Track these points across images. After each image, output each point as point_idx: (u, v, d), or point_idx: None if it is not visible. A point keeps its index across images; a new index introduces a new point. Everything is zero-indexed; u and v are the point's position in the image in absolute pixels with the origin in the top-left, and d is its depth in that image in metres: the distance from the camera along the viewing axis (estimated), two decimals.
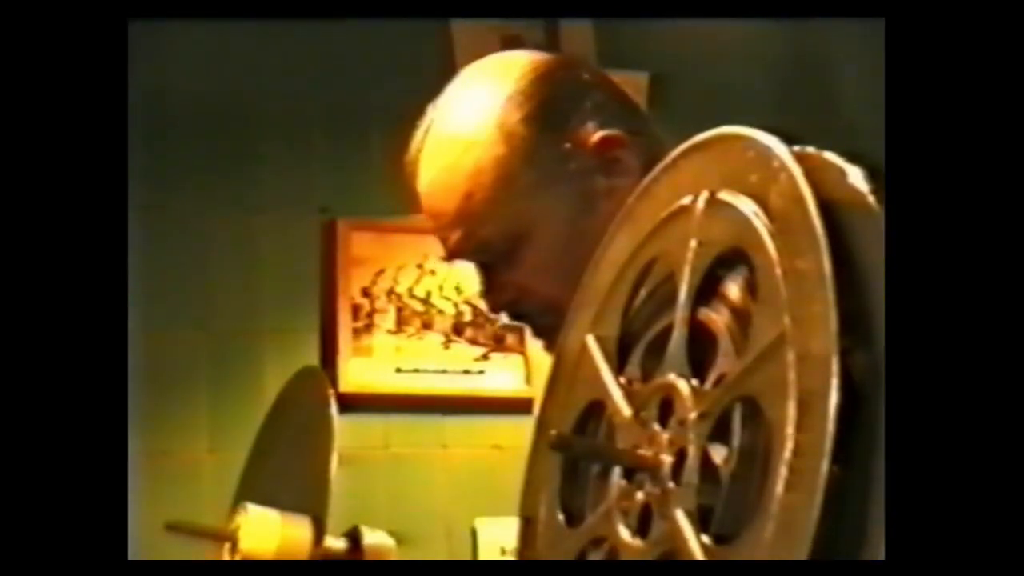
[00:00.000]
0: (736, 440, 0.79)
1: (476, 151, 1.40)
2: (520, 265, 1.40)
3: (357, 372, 3.18)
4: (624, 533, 0.86)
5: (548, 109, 1.42)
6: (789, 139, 0.81)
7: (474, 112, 1.43)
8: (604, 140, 1.40)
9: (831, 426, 0.70)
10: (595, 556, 0.90)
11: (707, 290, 0.86)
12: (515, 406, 2.91)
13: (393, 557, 1.78)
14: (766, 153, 0.81)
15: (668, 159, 0.92)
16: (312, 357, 3.12)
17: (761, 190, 0.80)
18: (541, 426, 0.99)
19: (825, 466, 0.70)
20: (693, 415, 0.82)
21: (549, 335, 1.39)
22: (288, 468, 1.86)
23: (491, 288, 1.43)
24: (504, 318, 1.46)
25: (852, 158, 0.78)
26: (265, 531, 1.69)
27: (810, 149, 0.80)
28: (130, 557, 1.14)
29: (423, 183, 1.45)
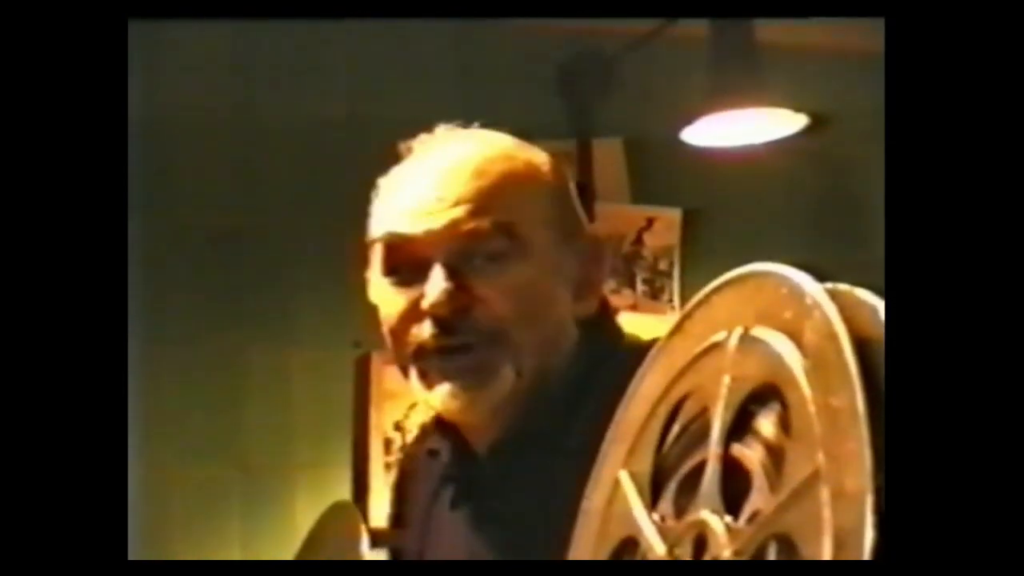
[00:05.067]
0: None
1: (510, 161, 1.44)
2: (494, 277, 1.40)
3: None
4: None
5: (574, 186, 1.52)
6: (821, 276, 0.81)
7: (511, 141, 1.48)
8: (599, 240, 1.51)
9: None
10: None
11: (740, 426, 0.85)
12: None
13: None
14: (799, 290, 0.81)
15: (702, 294, 0.92)
16: (344, 491, 3.12)
17: (795, 327, 0.81)
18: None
19: None
20: (727, 552, 0.81)
21: (471, 374, 1.39)
22: None
23: (451, 288, 1.39)
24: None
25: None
26: None
27: (842, 286, 0.81)
28: None
29: (435, 164, 1.44)
